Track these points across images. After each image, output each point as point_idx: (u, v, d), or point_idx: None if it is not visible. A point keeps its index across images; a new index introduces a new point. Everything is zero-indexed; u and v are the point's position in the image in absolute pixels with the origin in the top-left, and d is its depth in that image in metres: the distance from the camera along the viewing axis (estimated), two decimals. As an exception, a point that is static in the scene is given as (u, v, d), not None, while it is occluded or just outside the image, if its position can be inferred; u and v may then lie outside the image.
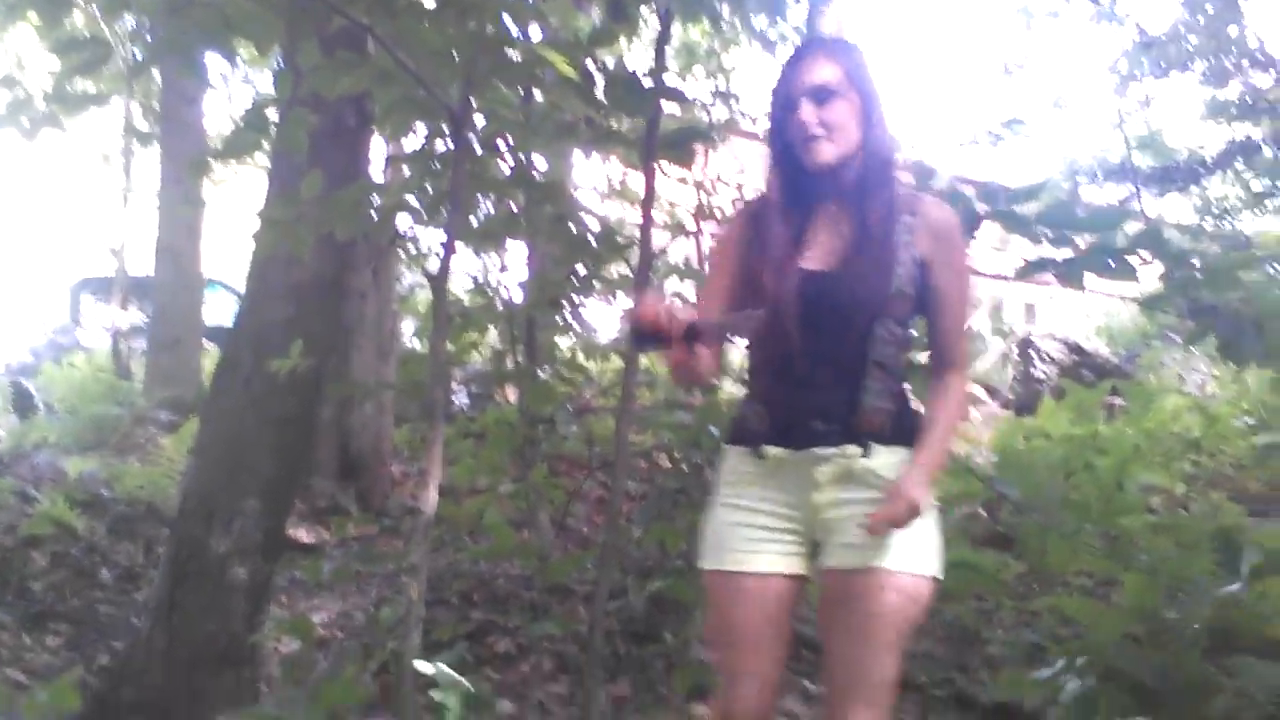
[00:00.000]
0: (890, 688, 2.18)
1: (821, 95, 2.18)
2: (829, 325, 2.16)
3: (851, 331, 2.17)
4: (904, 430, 2.22)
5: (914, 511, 2.07)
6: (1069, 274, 3.50)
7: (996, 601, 5.05)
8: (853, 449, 2.17)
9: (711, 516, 2.32)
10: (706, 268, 2.54)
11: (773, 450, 2.21)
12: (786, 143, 2.23)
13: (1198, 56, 20.32)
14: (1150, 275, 3.75)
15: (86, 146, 15.92)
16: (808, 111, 2.17)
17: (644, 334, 1.94)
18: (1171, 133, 27.26)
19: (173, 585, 3.97)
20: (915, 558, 2.16)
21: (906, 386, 2.30)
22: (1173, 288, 3.55)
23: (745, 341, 2.33)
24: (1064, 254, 3.53)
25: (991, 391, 10.84)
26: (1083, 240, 3.50)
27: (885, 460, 2.18)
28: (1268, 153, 19.99)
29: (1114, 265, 3.40)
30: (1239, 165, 20.51)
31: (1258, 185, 21.64)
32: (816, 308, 2.16)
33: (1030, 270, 3.63)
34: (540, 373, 4.66)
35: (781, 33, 11.06)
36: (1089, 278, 3.44)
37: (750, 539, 2.23)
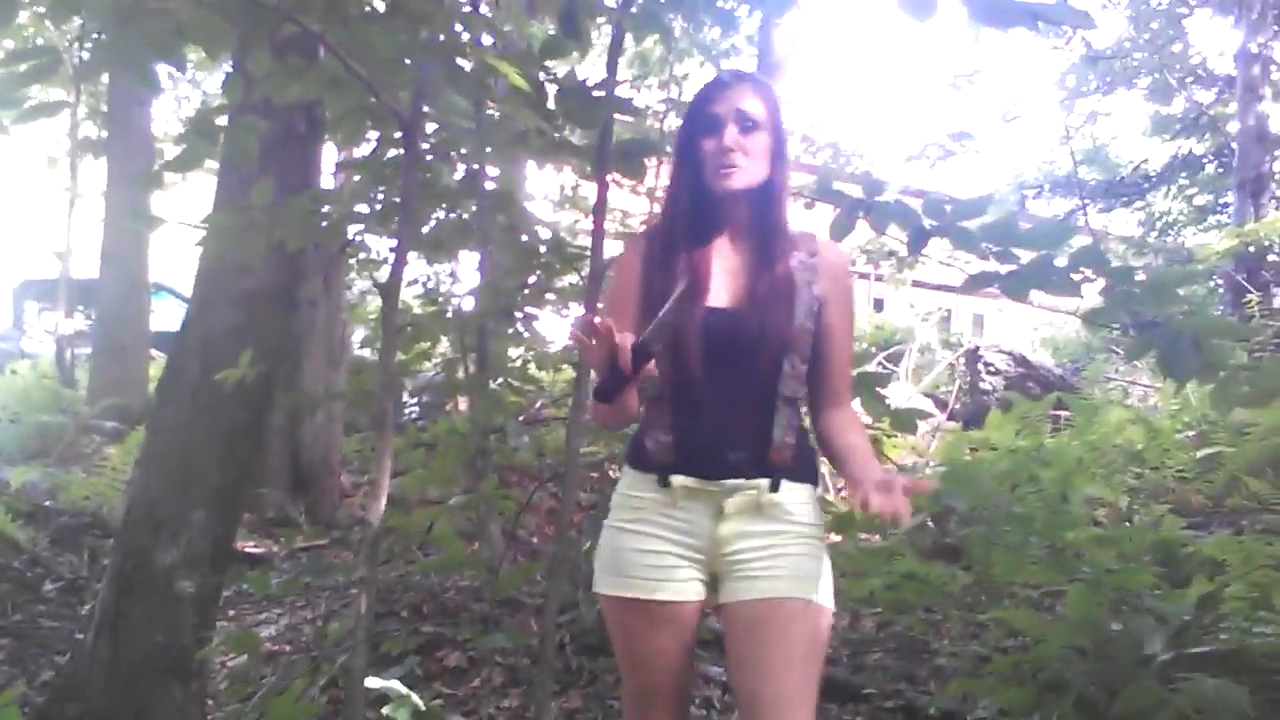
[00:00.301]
0: (811, 716, 2.17)
1: (747, 123, 2.20)
2: (735, 361, 2.17)
3: (758, 367, 2.17)
4: (806, 467, 2.26)
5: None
6: (1013, 289, 3.52)
7: (944, 613, 5.09)
8: (763, 482, 2.18)
9: (608, 540, 2.30)
10: (604, 298, 2.51)
11: (680, 479, 2.20)
12: (697, 165, 2.23)
13: (1143, 72, 20.71)
14: (1093, 290, 3.80)
15: (32, 149, 15.69)
16: (731, 136, 2.19)
17: (611, 383, 1.98)
18: (1117, 148, 27.71)
19: (118, 597, 3.91)
20: (819, 590, 2.18)
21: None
22: (1113, 302, 3.58)
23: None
24: (1008, 268, 3.56)
25: (938, 404, 10.92)
26: (1027, 255, 3.54)
27: (791, 495, 2.20)
28: (1210, 168, 20.37)
29: (1056, 280, 3.43)
30: (1183, 180, 20.88)
31: (1201, 200, 22.01)
32: (722, 344, 2.16)
33: (975, 285, 3.66)
34: (492, 383, 4.65)
35: (734, 44, 11.17)
36: (1033, 292, 3.48)
37: (654, 566, 2.21)
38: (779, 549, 2.17)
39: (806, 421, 2.34)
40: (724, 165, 2.19)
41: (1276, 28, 13.95)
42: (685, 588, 2.22)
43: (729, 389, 2.17)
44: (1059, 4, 2.15)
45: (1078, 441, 6.96)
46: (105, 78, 10.31)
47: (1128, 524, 6.16)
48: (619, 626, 2.30)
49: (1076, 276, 3.34)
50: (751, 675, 2.15)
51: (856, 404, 4.00)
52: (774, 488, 2.18)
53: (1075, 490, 5.91)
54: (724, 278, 2.24)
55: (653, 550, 2.21)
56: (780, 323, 2.18)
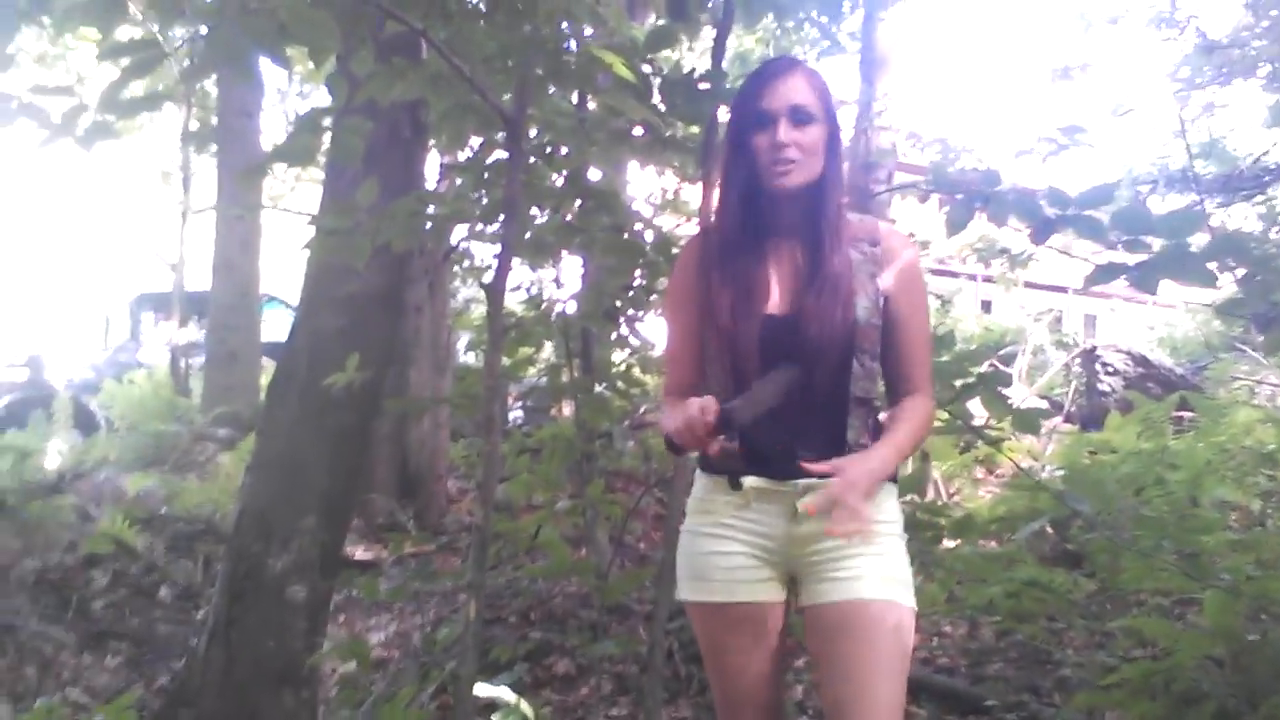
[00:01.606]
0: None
1: (800, 116, 2.09)
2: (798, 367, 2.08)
3: (824, 370, 2.09)
4: None
5: (856, 495, 1.95)
6: (1143, 280, 3.35)
7: (1068, 621, 4.90)
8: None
9: (685, 545, 2.24)
10: (665, 308, 2.43)
11: (751, 480, 2.13)
12: (750, 162, 2.13)
13: (1262, 61, 19.95)
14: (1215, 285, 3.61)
15: (147, 164, 16.16)
16: (785, 130, 2.08)
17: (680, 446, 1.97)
18: (1235, 140, 26.77)
19: (230, 603, 3.94)
20: (900, 590, 2.10)
21: (882, 418, 2.22)
22: (1252, 292, 3.39)
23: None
24: (1137, 259, 3.39)
25: (1054, 406, 10.60)
26: (1156, 244, 3.37)
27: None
28: (1336, 159, 19.57)
29: (1192, 270, 3.25)
30: (1306, 172, 20.07)
31: (1326, 193, 21.16)
32: (779, 353, 2.08)
33: (1101, 276, 3.48)
34: (596, 387, 4.58)
35: (838, 40, 11.01)
36: (1150, 289, 3.31)
37: (729, 568, 2.15)
38: (856, 548, 2.08)
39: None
40: (779, 162, 2.09)
41: (1406, 9, 13.31)
42: (761, 589, 2.16)
43: (796, 394, 2.07)
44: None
45: (1204, 443, 6.66)
46: (216, 93, 10.56)
47: (1261, 528, 5.88)
48: (702, 633, 2.25)
49: (1212, 265, 3.17)
50: (837, 681, 2.08)
51: (976, 403, 3.88)
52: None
53: (1205, 493, 5.66)
54: (781, 280, 2.16)
55: (727, 552, 2.16)
56: (836, 324, 2.09)
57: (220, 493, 6.79)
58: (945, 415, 3.81)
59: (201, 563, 6.10)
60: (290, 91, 14.52)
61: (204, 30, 2.46)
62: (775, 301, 2.14)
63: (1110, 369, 10.31)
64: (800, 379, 2.05)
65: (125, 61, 2.48)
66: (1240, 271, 3.43)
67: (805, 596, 2.15)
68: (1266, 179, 20.28)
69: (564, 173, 3.87)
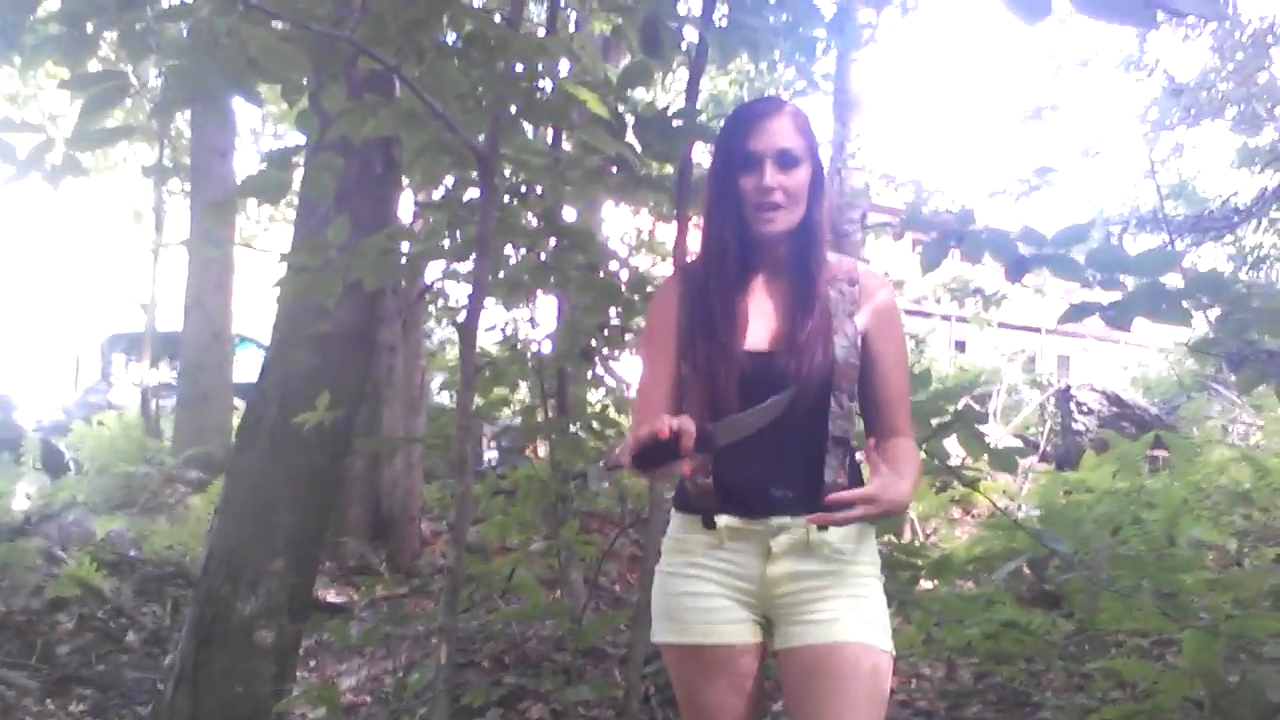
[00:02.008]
0: None
1: (787, 160, 2.07)
2: None
3: (802, 409, 2.04)
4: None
5: (880, 509, 1.92)
6: (1118, 318, 3.35)
7: (1047, 663, 4.85)
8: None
9: (659, 586, 2.20)
10: (641, 345, 2.39)
11: (724, 519, 2.10)
12: (736, 204, 2.10)
13: (1229, 103, 20.23)
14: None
15: (119, 203, 16.08)
16: (771, 174, 2.06)
17: (653, 454, 1.81)
18: (1204, 181, 27.10)
19: (197, 648, 3.87)
20: (876, 632, 2.06)
21: (859, 459, 2.18)
22: (1227, 330, 3.39)
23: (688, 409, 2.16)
24: (1111, 297, 3.38)
25: (1029, 445, 10.62)
26: (1131, 283, 3.37)
27: (841, 534, 2.08)
28: (1303, 200, 19.79)
29: (1167, 309, 3.25)
30: (1274, 212, 20.29)
31: (1293, 233, 21.39)
32: (761, 389, 2.02)
33: (1075, 315, 3.48)
34: (572, 427, 4.54)
35: (813, 80, 11.07)
36: (1120, 330, 3.31)
37: (705, 610, 2.11)
38: (832, 590, 2.06)
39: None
40: (764, 207, 2.07)
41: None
42: (736, 630, 2.11)
43: (772, 432, 2.01)
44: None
45: (1180, 482, 6.66)
46: (189, 132, 10.52)
47: (1238, 567, 5.87)
48: (676, 676, 2.20)
49: (1188, 303, 3.17)
50: None
51: (953, 442, 3.86)
52: (823, 526, 2.05)
53: (1181, 533, 5.65)
54: (762, 318, 2.13)
55: (702, 593, 2.11)
56: (820, 362, 2.07)
57: (190, 535, 6.70)
58: (922, 454, 3.78)
59: (170, 607, 6.00)
60: (264, 131, 14.50)
61: (173, 65, 2.42)
62: (755, 339, 2.12)
63: (1085, 408, 10.35)
64: (785, 408, 2.01)
65: (91, 92, 2.44)
66: (1215, 311, 3.43)
67: (780, 639, 2.10)
68: (1235, 219, 20.49)
69: (538, 212, 3.86)
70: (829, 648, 2.03)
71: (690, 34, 3.53)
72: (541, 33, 4.36)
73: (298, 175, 3.27)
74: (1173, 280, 3.36)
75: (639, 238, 8.85)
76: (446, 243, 3.81)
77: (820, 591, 2.06)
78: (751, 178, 2.07)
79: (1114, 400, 10.46)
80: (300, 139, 3.40)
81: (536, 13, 7.82)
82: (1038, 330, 26.77)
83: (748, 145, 2.08)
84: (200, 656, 3.83)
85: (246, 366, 11.67)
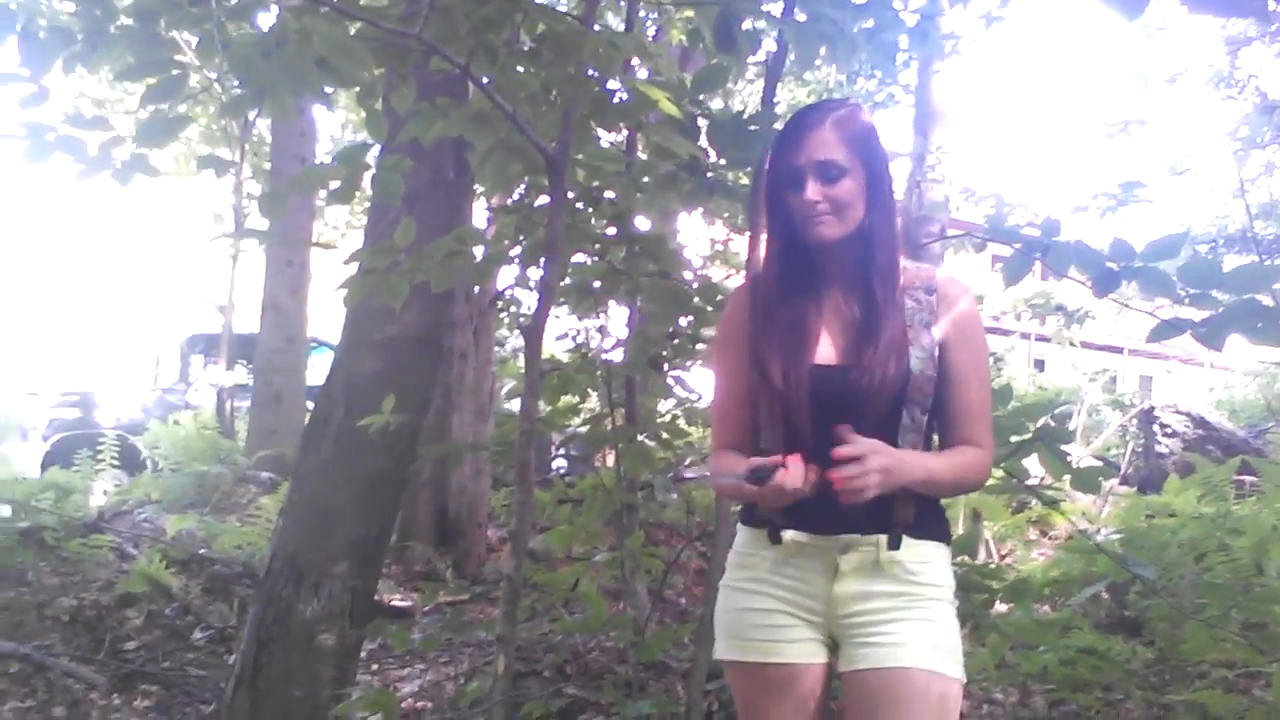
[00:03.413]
0: None
1: (829, 172, 2.00)
2: (845, 418, 1.96)
3: (873, 422, 1.97)
4: (932, 523, 2.07)
5: (871, 477, 1.84)
6: (1211, 336, 3.20)
7: (1125, 692, 4.69)
8: (881, 538, 2.00)
9: (723, 601, 2.15)
10: (713, 357, 2.33)
11: (791, 534, 2.04)
12: (788, 218, 2.05)
13: (1323, 122, 19.67)
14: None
15: (200, 206, 16.38)
16: (814, 190, 1.99)
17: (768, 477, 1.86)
18: (1296, 201, 26.35)
19: (258, 649, 3.86)
20: (946, 659, 1.98)
21: None
22: (1331, 352, 3.23)
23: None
24: (1203, 314, 3.24)
25: (1110, 467, 10.36)
26: (1224, 299, 3.22)
27: (913, 553, 2.01)
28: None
29: (1264, 327, 3.10)
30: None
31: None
32: (831, 403, 1.98)
33: (1165, 331, 3.34)
34: (639, 436, 4.48)
35: (891, 93, 10.95)
36: (1219, 347, 3.16)
37: (769, 627, 2.06)
38: (901, 612, 1.99)
39: None
40: (810, 219, 2.01)
41: None
42: (800, 649, 2.05)
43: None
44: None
45: (1269, 509, 6.43)
46: (269, 136, 10.65)
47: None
48: (738, 694, 2.15)
49: (1288, 322, 3.01)
50: None
51: (1032, 461, 3.73)
52: (894, 544, 2.00)
53: (1271, 561, 5.44)
54: (832, 330, 2.07)
55: (766, 609, 2.06)
56: (888, 375, 1.99)
57: (260, 536, 6.73)
58: (1000, 473, 3.66)
59: (237, 606, 6.03)
60: (344, 138, 14.66)
61: (239, 62, 2.40)
62: (825, 351, 2.05)
63: (1169, 430, 10.08)
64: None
65: (151, 81, 2.43)
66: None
67: (845, 661, 2.03)
68: (1327, 240, 19.88)
69: (609, 217, 3.81)
70: (896, 672, 1.95)
71: (768, 38, 3.46)
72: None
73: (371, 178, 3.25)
74: (1266, 299, 3.21)
75: (713, 248, 8.79)
76: (516, 249, 3.78)
77: (889, 613, 1.98)
78: (795, 193, 2.02)
79: (1199, 422, 10.16)
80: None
81: (615, 23, 7.81)
82: (1119, 350, 26.26)
83: (790, 160, 2.04)
84: (261, 658, 3.82)
85: (320, 370, 11.76)
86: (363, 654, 4.62)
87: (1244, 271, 3.18)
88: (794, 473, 1.85)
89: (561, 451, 8.74)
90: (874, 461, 1.84)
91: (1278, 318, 3.09)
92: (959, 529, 7.26)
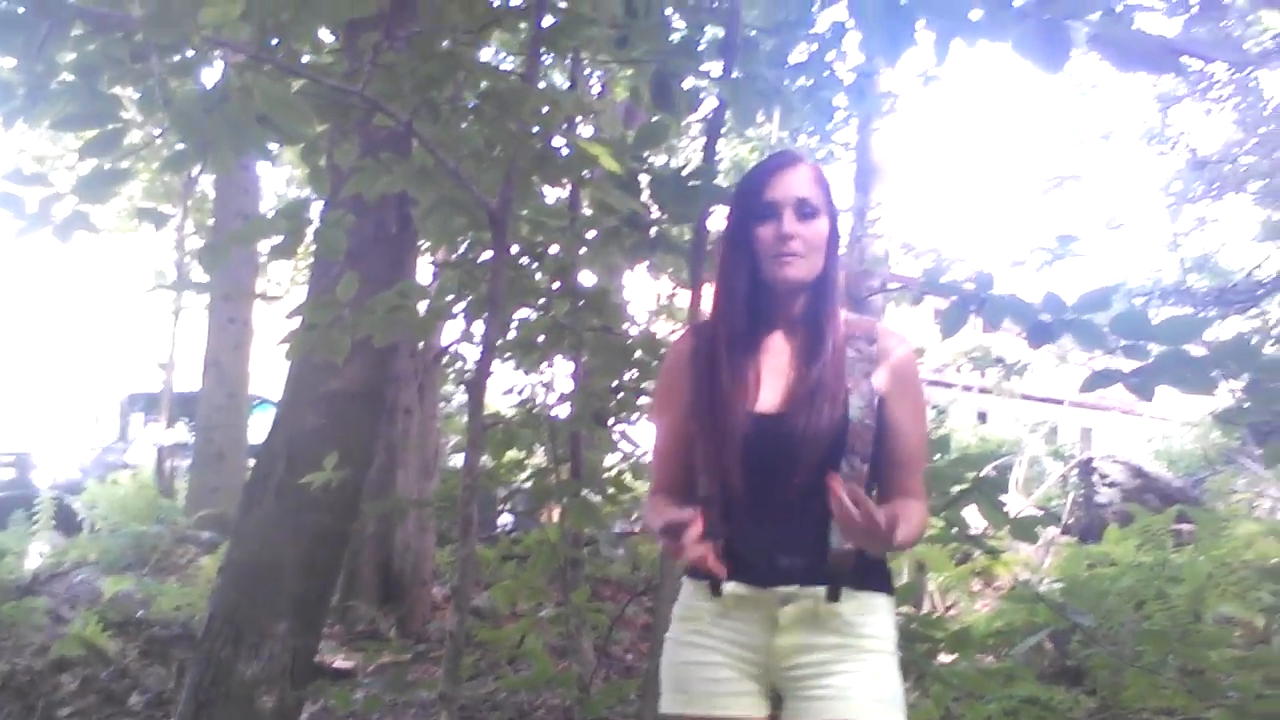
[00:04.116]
0: None
1: (807, 210, 2.03)
2: (785, 467, 1.99)
3: (810, 470, 1.97)
4: (873, 573, 2.05)
5: (874, 534, 1.81)
6: (1142, 386, 3.27)
7: (1069, 741, 4.72)
8: (820, 590, 1.99)
9: (668, 654, 2.13)
10: (654, 405, 2.34)
11: (731, 587, 2.02)
12: (752, 254, 2.06)
13: (1252, 177, 20.19)
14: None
15: (142, 264, 16.22)
16: (790, 222, 2.02)
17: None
18: (1228, 254, 26.97)
19: (197, 711, 3.78)
20: (889, 711, 1.98)
21: None
22: (1259, 400, 3.30)
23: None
24: (1134, 365, 3.31)
25: (1051, 517, 10.46)
26: (1154, 351, 3.29)
27: (854, 605, 2.00)
28: (1328, 274, 19.67)
29: (1192, 377, 3.17)
30: (1299, 287, 20.15)
31: (1320, 307, 21.22)
32: (768, 451, 2.00)
33: (1098, 382, 3.41)
34: (584, 491, 4.47)
35: (831, 151, 11.13)
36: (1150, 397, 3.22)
37: (712, 680, 2.04)
38: (842, 664, 1.98)
39: None
40: (782, 254, 2.02)
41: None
42: (743, 702, 2.04)
43: (780, 495, 1.99)
44: (1202, 42, 1.95)
45: (1206, 557, 6.53)
46: (213, 196, 10.61)
47: (1265, 645, 5.73)
48: None
49: (1215, 372, 3.09)
50: None
51: (972, 511, 3.77)
52: (833, 596, 1.99)
53: (1208, 609, 5.52)
54: (774, 378, 2.07)
55: (709, 662, 2.05)
56: (829, 424, 2.00)
57: (200, 597, 6.60)
58: (940, 522, 3.70)
59: (176, 669, 5.89)
60: (288, 194, 14.62)
61: (180, 118, 2.40)
62: (766, 398, 2.05)
63: (1108, 480, 10.21)
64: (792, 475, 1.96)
65: (91, 135, 2.43)
66: (1241, 380, 3.35)
67: (788, 713, 2.02)
68: (1260, 292, 20.34)
69: (553, 272, 3.83)
70: None
71: (708, 96, 3.52)
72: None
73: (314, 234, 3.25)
74: (1196, 349, 3.28)
75: (658, 303, 8.84)
76: (461, 304, 3.79)
77: (830, 665, 1.98)
78: (770, 226, 2.03)
79: (1137, 472, 10.31)
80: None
81: (562, 81, 7.88)
82: (1060, 402, 26.58)
83: (766, 195, 2.05)
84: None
85: (263, 428, 11.63)
86: (304, 716, 4.54)
87: (1174, 323, 3.25)
88: (693, 533, 1.83)
89: (507, 507, 8.68)
90: (867, 523, 1.80)
91: (1206, 368, 3.17)
92: (903, 579, 7.29)
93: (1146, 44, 2.00)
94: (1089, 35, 1.90)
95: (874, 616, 2.03)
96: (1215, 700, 3.68)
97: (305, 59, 2.94)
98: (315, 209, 3.28)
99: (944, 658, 4.71)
